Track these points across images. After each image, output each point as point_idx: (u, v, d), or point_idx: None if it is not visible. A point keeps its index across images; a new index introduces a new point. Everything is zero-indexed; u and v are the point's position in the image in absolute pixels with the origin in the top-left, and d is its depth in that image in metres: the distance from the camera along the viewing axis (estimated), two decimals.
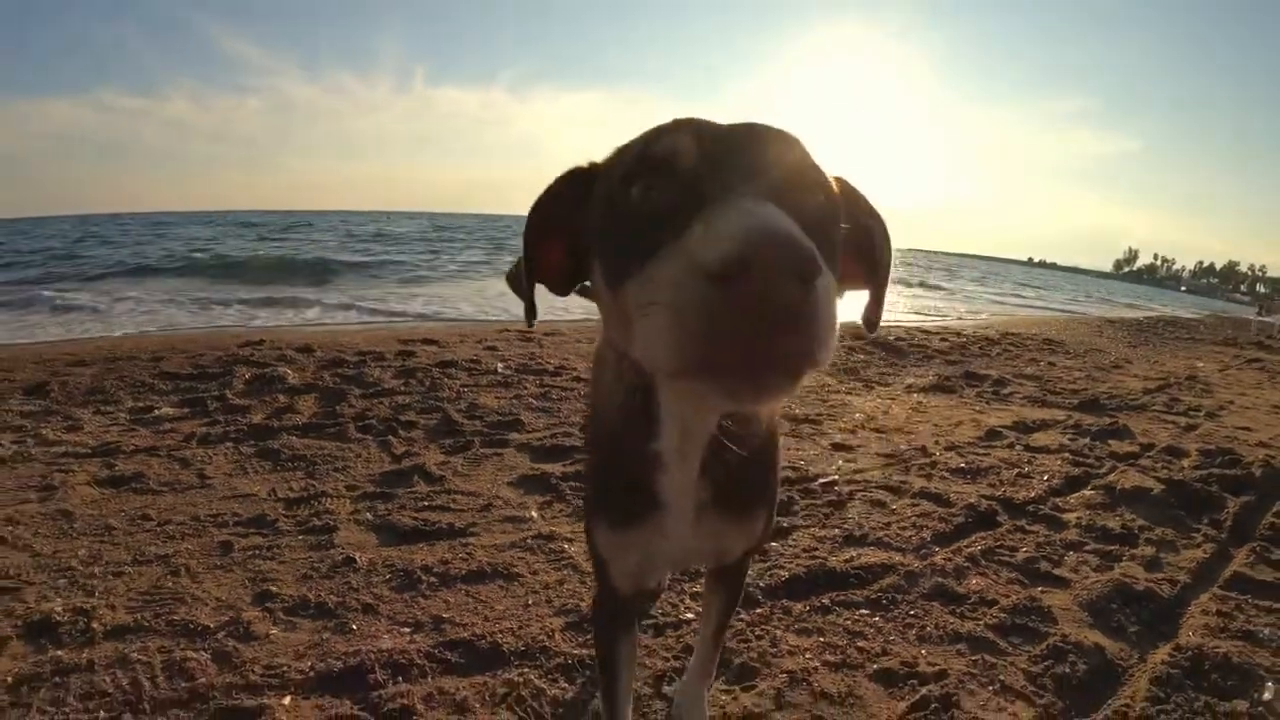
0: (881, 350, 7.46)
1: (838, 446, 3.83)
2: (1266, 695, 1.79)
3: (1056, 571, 2.36)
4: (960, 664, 1.82)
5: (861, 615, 2.03)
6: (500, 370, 5.04)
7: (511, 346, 6.13)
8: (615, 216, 0.75)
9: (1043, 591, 2.21)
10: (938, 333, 9.27)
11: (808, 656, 1.83)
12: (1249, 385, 6.75)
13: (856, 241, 0.88)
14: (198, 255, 16.82)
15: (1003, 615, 2.05)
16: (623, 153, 0.84)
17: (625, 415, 0.98)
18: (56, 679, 1.64)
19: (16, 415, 3.72)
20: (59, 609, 1.91)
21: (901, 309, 14.83)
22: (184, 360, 5.09)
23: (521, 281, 0.92)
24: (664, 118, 0.79)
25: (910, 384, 5.87)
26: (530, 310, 0.94)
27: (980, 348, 8.16)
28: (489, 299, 10.81)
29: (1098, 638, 1.97)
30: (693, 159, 0.71)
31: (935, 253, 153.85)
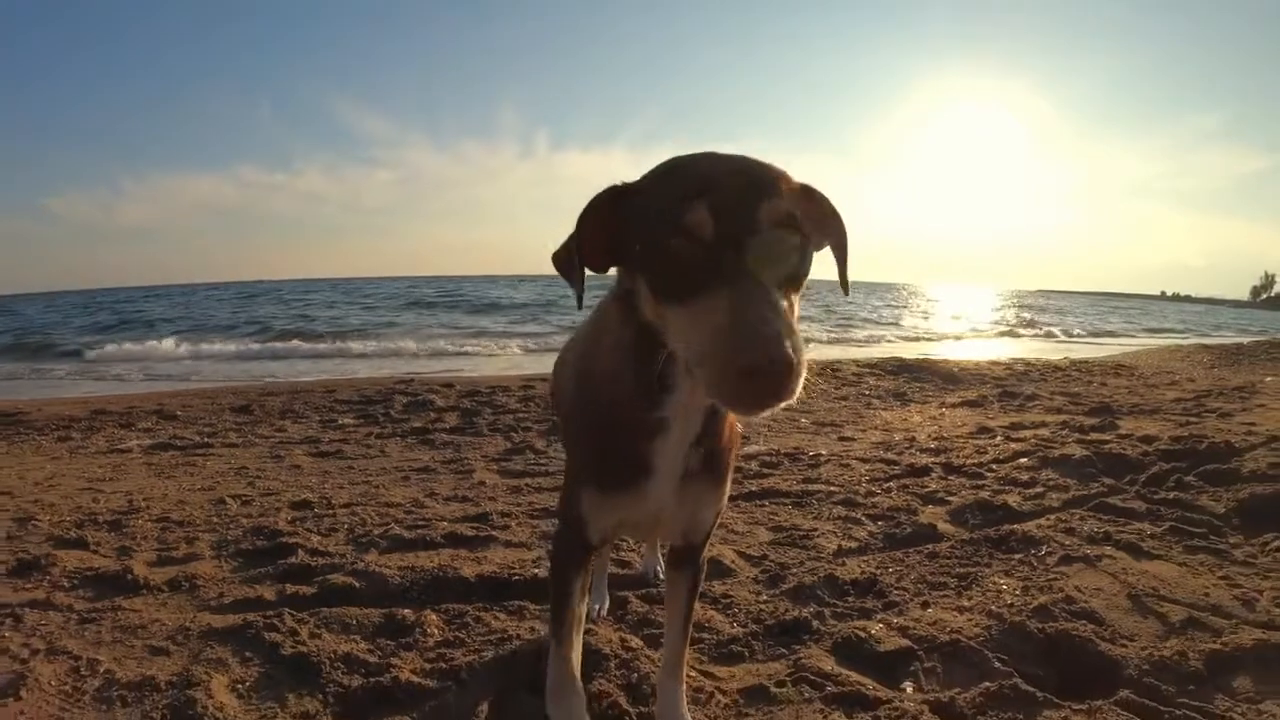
0: (936, 378, 8.13)
1: (844, 438, 4.84)
2: (1042, 552, 2.66)
3: (947, 498, 3.26)
4: (829, 528, 2.87)
5: (783, 507, 3.13)
6: None
7: None
8: (659, 251, 0.95)
9: (925, 506, 3.16)
10: (1004, 362, 9.68)
11: (734, 519, 2.96)
12: None
13: (826, 232, 1.13)
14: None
15: (880, 512, 3.06)
16: (657, 184, 1.03)
17: (630, 385, 1.15)
18: (311, 520, 3.06)
19: (232, 425, 5.54)
20: (310, 496, 3.40)
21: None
22: (351, 391, 6.95)
23: (573, 262, 1.07)
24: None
25: (944, 401, 6.61)
26: (580, 290, 1.09)
27: (1040, 373, 8.55)
28: None
29: (940, 523, 2.91)
30: (711, 233, 0.92)
31: (1071, 293, 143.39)
